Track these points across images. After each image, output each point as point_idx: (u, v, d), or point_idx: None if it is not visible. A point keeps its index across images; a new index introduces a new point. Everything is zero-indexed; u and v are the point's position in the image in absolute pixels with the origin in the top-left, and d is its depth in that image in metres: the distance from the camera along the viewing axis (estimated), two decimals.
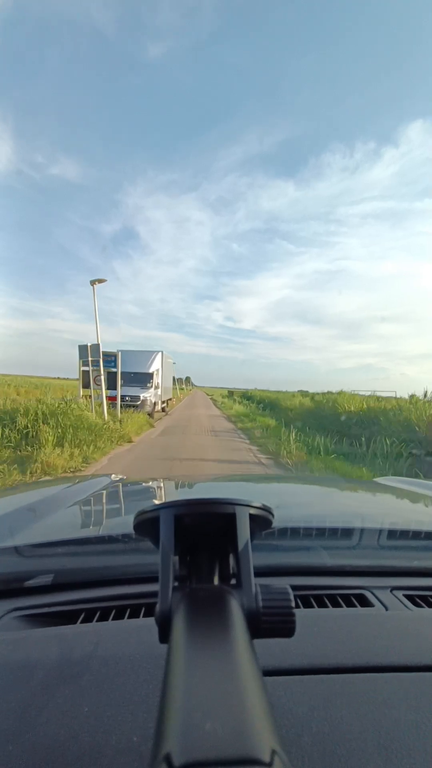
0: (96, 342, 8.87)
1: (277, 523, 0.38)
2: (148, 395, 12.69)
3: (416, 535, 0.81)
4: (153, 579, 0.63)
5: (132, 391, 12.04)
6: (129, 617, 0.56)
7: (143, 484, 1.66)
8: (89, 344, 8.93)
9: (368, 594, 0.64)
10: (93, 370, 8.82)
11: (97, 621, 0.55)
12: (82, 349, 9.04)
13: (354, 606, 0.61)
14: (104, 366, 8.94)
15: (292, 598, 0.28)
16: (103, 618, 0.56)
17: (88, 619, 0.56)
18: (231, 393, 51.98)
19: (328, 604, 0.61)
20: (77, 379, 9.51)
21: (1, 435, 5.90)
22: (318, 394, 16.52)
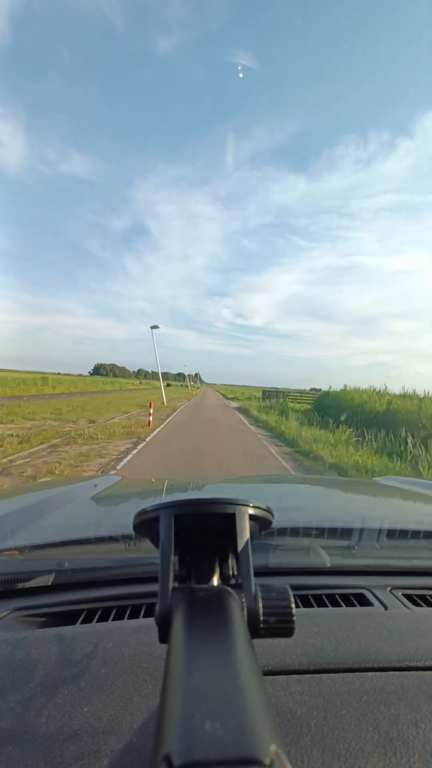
0: None
1: (276, 522, 0.38)
2: None
3: (415, 534, 0.81)
4: (153, 579, 0.64)
5: None
6: (129, 617, 0.56)
7: (143, 484, 1.66)
8: None
9: (367, 593, 0.64)
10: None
11: (97, 621, 0.56)
12: None
13: (353, 605, 0.61)
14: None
15: (291, 598, 0.28)
16: (103, 618, 0.57)
17: (88, 620, 0.56)
18: (279, 397, 24.42)
19: (328, 604, 0.61)
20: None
21: None
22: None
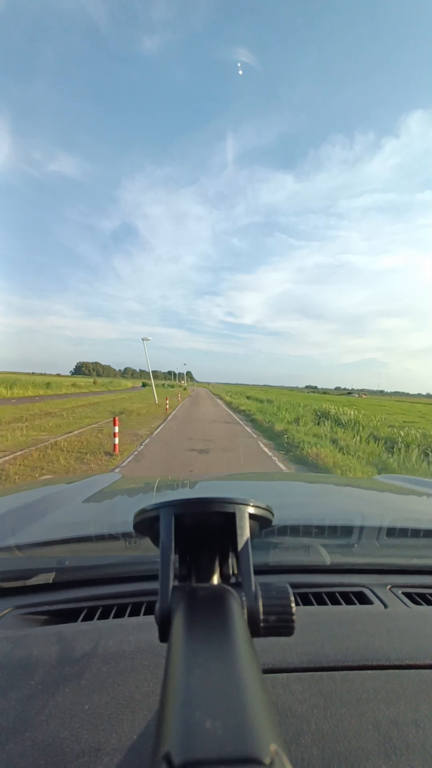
0: None
1: (276, 521, 0.37)
2: None
3: (415, 532, 0.81)
4: (153, 577, 0.63)
5: None
6: (129, 615, 0.56)
7: (143, 483, 1.66)
8: None
9: (367, 592, 0.64)
10: None
11: (97, 619, 0.55)
12: None
13: (353, 604, 0.61)
14: None
15: (291, 596, 0.28)
16: (104, 616, 0.56)
17: (88, 618, 0.56)
18: None
19: (328, 602, 0.61)
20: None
21: None
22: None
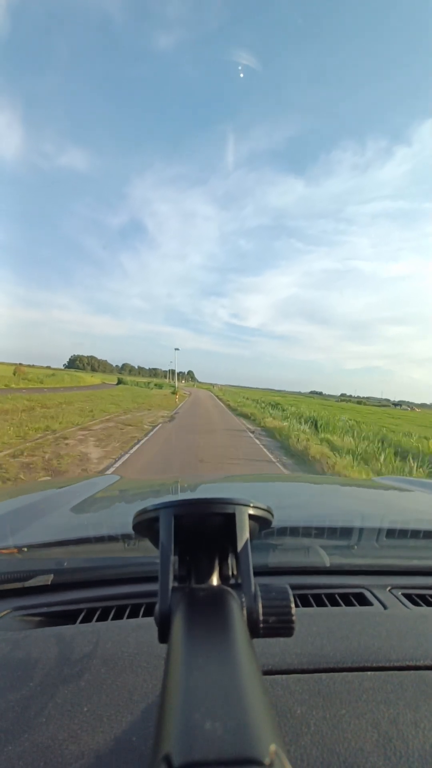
0: None
1: (276, 522, 0.38)
2: None
3: (415, 534, 0.81)
4: (152, 578, 0.63)
5: None
6: (128, 617, 0.56)
7: (142, 483, 1.65)
8: None
9: (367, 593, 0.64)
10: None
11: (96, 621, 0.55)
12: None
13: (353, 605, 0.61)
14: None
15: (291, 597, 0.28)
16: (103, 618, 0.56)
17: (87, 619, 0.56)
18: None
19: (327, 604, 0.61)
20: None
21: None
22: None
